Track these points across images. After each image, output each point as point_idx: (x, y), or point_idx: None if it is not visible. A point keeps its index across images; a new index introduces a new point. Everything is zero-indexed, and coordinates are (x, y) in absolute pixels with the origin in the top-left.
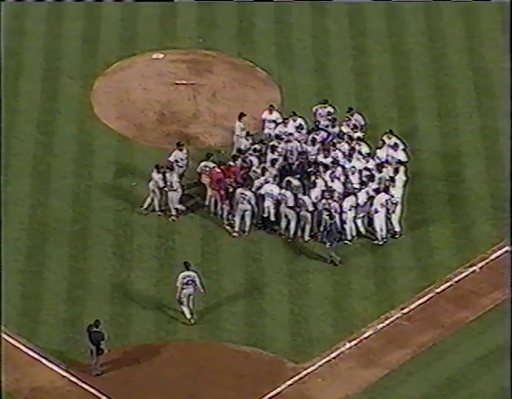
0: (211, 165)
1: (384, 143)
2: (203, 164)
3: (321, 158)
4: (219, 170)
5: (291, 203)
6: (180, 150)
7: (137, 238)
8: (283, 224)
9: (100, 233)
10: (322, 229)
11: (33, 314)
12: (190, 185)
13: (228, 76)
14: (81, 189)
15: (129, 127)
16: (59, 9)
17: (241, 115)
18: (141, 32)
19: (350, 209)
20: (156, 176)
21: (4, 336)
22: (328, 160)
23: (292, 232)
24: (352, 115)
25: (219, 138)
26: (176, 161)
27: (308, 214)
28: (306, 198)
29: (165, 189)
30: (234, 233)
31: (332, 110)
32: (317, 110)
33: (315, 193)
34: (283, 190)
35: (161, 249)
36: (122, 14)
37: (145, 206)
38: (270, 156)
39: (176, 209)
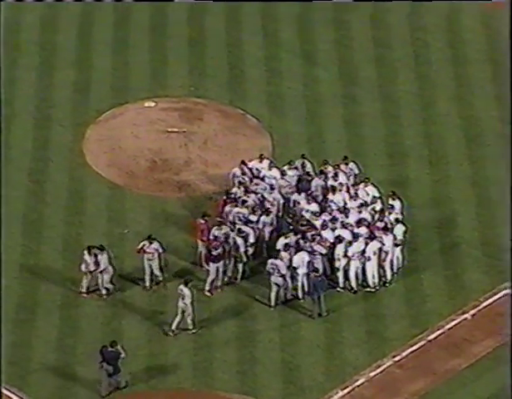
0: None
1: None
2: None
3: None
4: (203, 221)
5: (283, 271)
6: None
7: (128, 286)
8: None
9: None
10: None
11: (24, 363)
12: None
13: (220, 124)
14: (73, 237)
15: (120, 175)
16: (51, 58)
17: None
18: (133, 80)
19: (343, 256)
20: (88, 258)
21: None
22: (326, 217)
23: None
24: (346, 164)
25: (211, 185)
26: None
27: (281, 279)
28: (279, 261)
29: (96, 271)
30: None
31: (307, 163)
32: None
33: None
34: (273, 259)
35: (153, 297)
36: (114, 63)
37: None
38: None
39: (106, 289)
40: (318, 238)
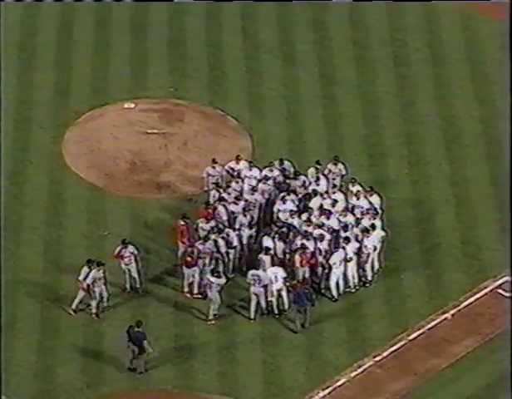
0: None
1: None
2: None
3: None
4: (183, 223)
5: (266, 281)
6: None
7: (109, 288)
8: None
9: (71, 282)
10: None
11: (5, 365)
12: None
13: (200, 125)
14: (53, 239)
15: (100, 176)
16: (30, 59)
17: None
18: (112, 81)
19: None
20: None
21: None
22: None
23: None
24: (336, 164)
25: (191, 186)
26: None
27: (261, 289)
28: (260, 272)
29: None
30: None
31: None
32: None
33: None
34: (254, 270)
35: (134, 299)
36: (93, 64)
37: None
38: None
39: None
40: (301, 250)
